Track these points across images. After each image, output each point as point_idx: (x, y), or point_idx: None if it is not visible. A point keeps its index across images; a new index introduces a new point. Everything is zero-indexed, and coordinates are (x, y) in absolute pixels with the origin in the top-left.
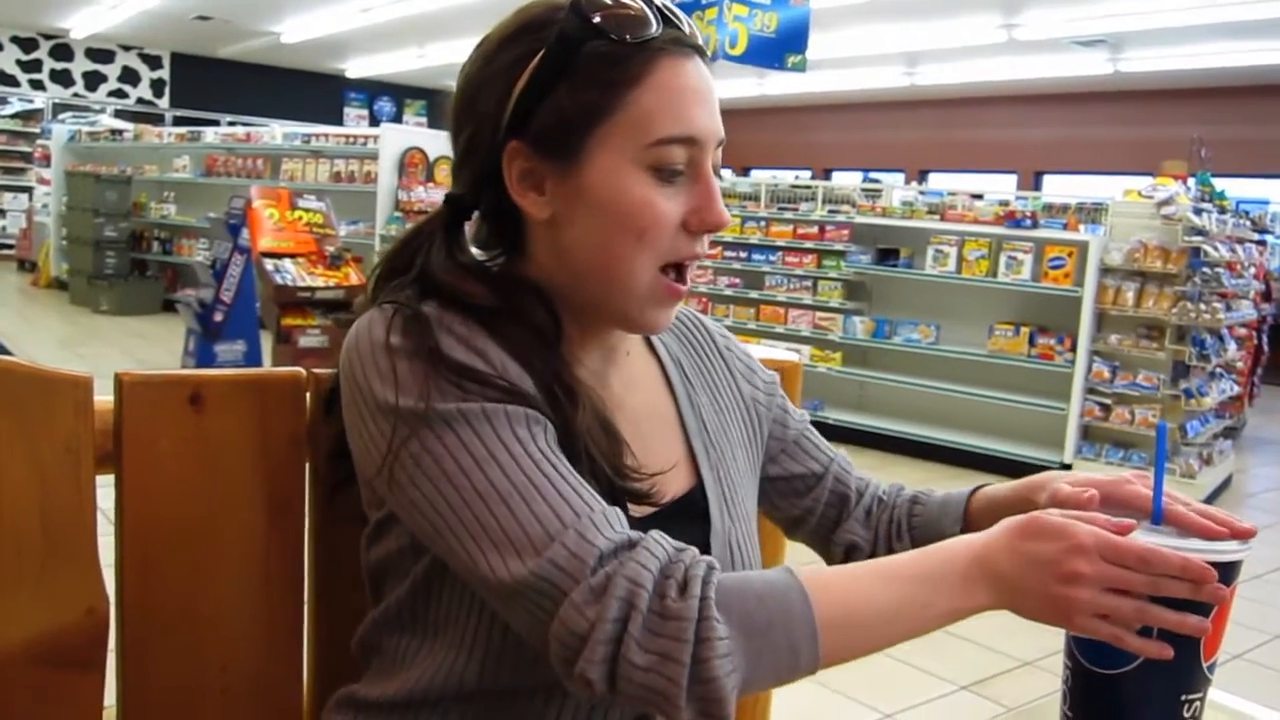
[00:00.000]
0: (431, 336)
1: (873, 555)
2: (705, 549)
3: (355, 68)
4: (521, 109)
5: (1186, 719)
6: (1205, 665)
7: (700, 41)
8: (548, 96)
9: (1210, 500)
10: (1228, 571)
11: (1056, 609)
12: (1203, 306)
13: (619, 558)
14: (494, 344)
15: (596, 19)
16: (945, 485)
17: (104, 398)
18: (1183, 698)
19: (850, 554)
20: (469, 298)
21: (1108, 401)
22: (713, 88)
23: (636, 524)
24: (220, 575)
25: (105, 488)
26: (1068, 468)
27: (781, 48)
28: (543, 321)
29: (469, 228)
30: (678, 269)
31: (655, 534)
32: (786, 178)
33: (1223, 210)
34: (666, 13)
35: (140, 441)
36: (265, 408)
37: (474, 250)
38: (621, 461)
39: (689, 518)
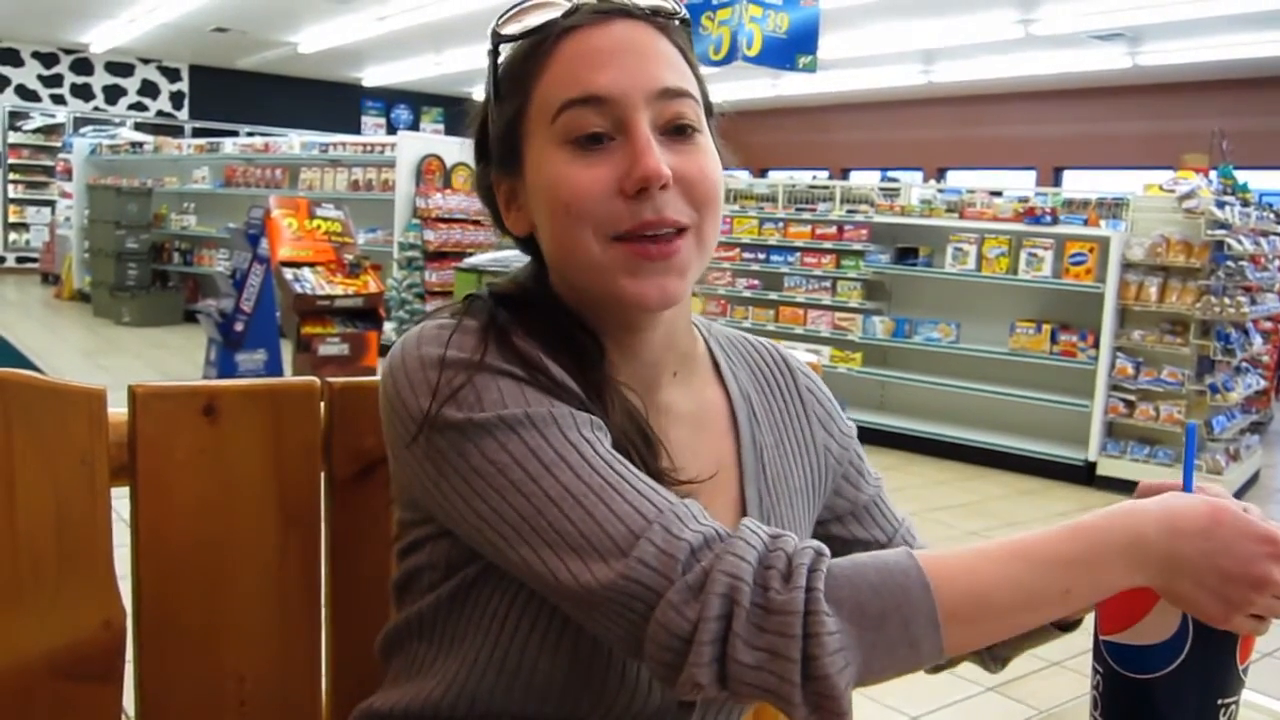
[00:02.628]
0: (491, 345)
1: None
2: None
3: (372, 76)
4: (484, 140)
5: None
6: (1240, 668)
7: (641, 6)
8: (494, 118)
9: (1238, 496)
10: None
11: (1227, 605)
12: (1227, 300)
13: (713, 550)
14: (546, 354)
15: (501, 28)
16: (969, 485)
17: (119, 410)
18: (1219, 701)
19: None
20: (520, 313)
21: (1132, 398)
22: (640, 43)
23: None
24: (236, 586)
25: (121, 499)
26: (1093, 465)
27: (793, 48)
28: (578, 334)
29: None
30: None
31: (749, 521)
32: (804, 178)
33: (1245, 203)
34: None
35: (155, 453)
36: (280, 418)
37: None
38: (658, 465)
39: None
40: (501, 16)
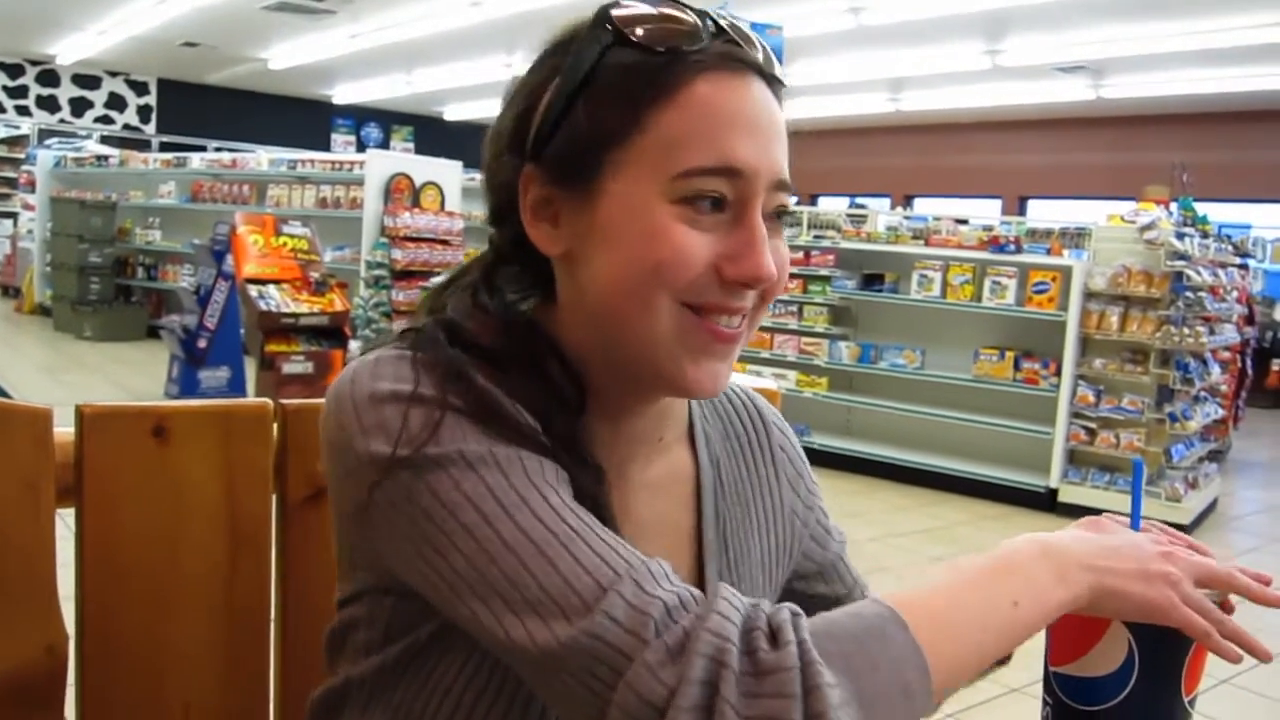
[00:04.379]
0: (452, 384)
1: None
2: None
3: (342, 94)
4: (540, 131)
5: None
6: (1187, 700)
7: (771, 68)
8: (566, 116)
9: (1197, 523)
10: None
11: (1157, 586)
12: (1186, 330)
13: (690, 611)
14: (506, 396)
15: (623, 25)
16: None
17: (69, 429)
18: None
19: None
20: (480, 343)
21: (1093, 426)
22: (775, 119)
23: None
24: (184, 612)
25: (67, 521)
26: (1054, 492)
27: None
28: (558, 378)
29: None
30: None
31: (725, 587)
32: None
33: (1205, 234)
34: (722, 25)
35: (102, 475)
36: (231, 440)
37: (510, 296)
38: None
39: None
40: (621, 5)
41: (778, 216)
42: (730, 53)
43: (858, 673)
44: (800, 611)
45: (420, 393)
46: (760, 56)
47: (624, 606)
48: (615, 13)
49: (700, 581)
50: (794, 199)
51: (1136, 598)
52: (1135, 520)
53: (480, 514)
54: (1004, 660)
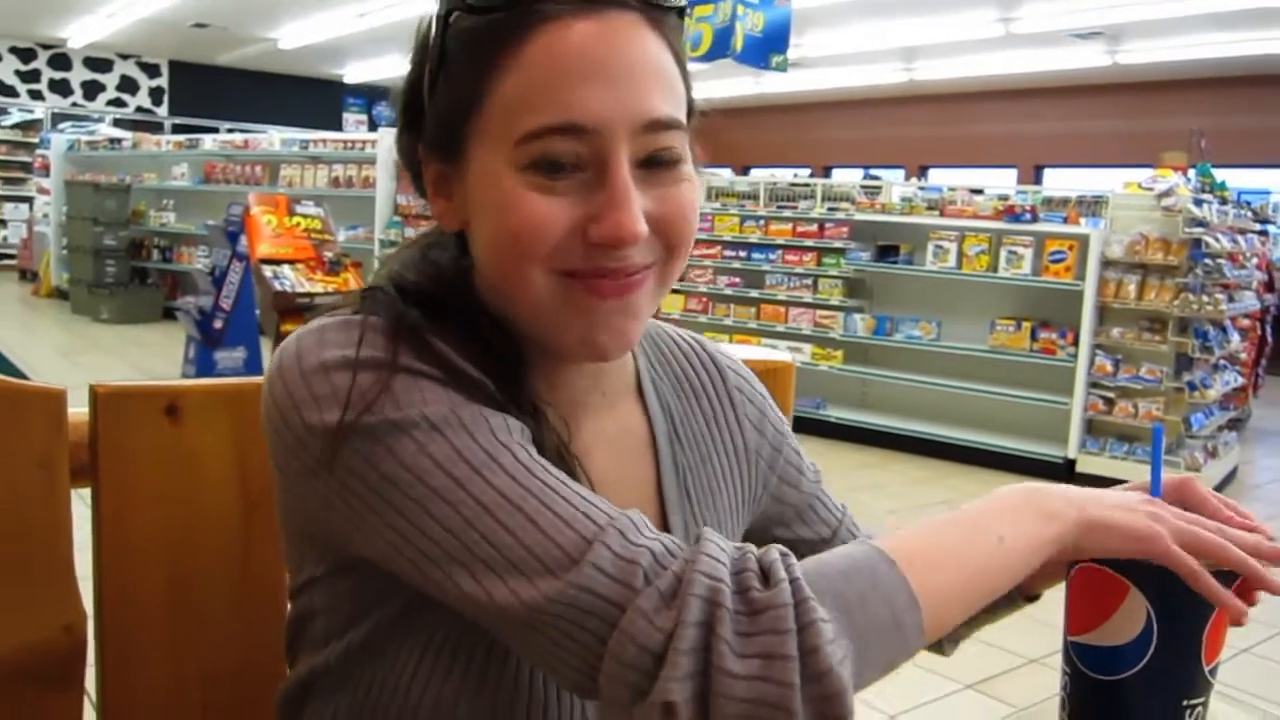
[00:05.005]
0: (404, 345)
1: None
2: None
3: (353, 73)
4: (419, 109)
5: None
6: (1207, 669)
7: None
8: (434, 92)
9: (1216, 491)
10: (1228, 578)
11: (1142, 516)
12: (1205, 298)
13: (680, 556)
14: (466, 360)
15: None
16: (949, 482)
17: (84, 410)
18: (1185, 703)
19: None
20: (424, 295)
21: (1111, 395)
22: (639, 54)
23: None
24: (200, 590)
25: (83, 501)
26: (1072, 463)
27: (766, 47)
28: (491, 335)
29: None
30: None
31: (709, 531)
32: (785, 176)
33: (1223, 201)
34: None
35: (116, 454)
36: (243, 417)
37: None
38: None
39: None
40: None
41: (661, 162)
42: None
43: (849, 608)
44: (788, 551)
45: (372, 355)
46: None
47: (611, 557)
48: None
49: (666, 530)
50: (684, 132)
51: (1123, 526)
52: (1155, 488)
53: (451, 477)
54: (1032, 597)
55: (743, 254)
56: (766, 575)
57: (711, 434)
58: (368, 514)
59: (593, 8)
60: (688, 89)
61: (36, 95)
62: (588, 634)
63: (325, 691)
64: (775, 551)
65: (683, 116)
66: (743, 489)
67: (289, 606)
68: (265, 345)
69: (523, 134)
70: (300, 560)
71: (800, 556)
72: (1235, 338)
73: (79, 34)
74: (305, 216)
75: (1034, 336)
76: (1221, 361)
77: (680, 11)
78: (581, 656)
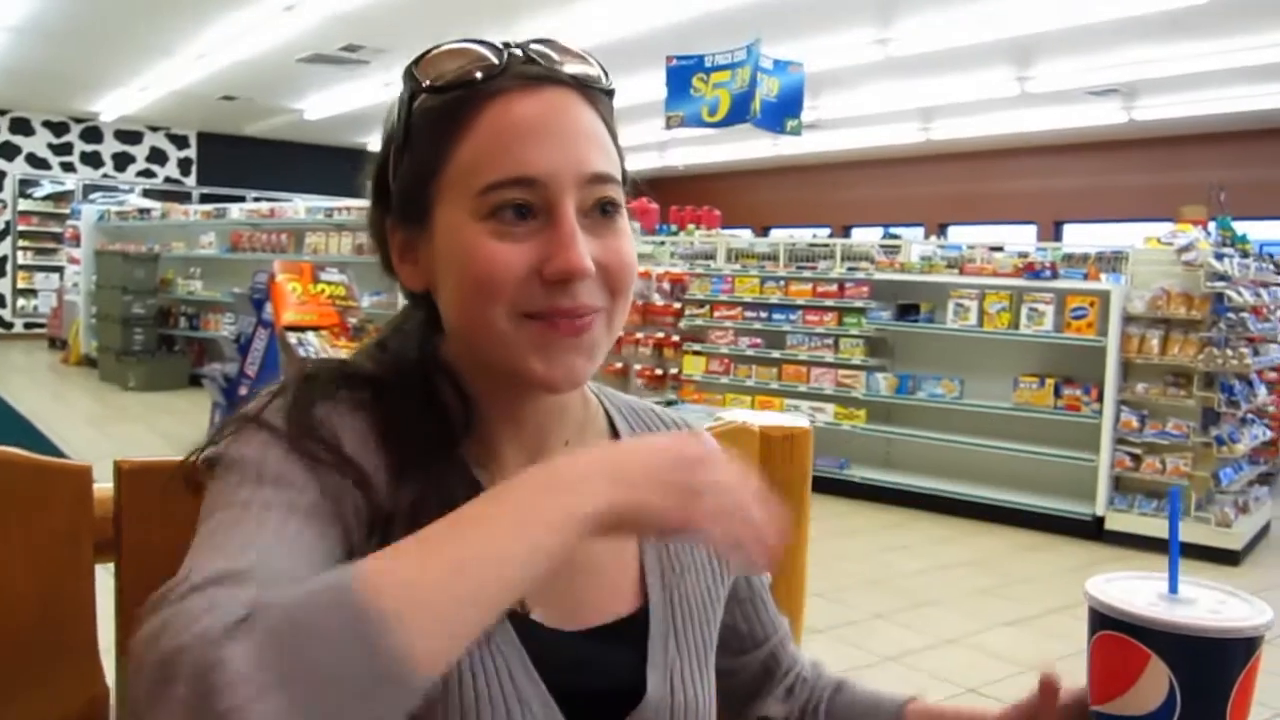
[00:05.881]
0: (276, 403)
1: None
2: (640, 684)
3: (377, 141)
4: (386, 184)
5: None
6: None
7: (583, 74)
8: (400, 166)
9: (1249, 548)
10: (1251, 645)
11: (676, 494)
12: (1229, 352)
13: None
14: (374, 428)
15: (421, 77)
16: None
17: (107, 485)
18: None
19: None
20: (366, 376)
21: (1138, 451)
22: (577, 120)
23: (564, 642)
24: None
25: (107, 573)
26: (1100, 520)
27: (782, 112)
28: (451, 400)
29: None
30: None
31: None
32: (805, 236)
33: (1245, 254)
34: (511, 49)
35: (139, 528)
36: None
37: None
38: None
39: (626, 643)
40: (419, 59)
41: (604, 210)
42: (525, 72)
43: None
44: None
45: (248, 412)
46: (567, 67)
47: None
48: (415, 68)
49: (642, 570)
50: (619, 186)
51: (655, 515)
52: (1174, 550)
53: (209, 515)
54: None
55: (763, 314)
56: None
57: None
58: None
59: (535, 86)
60: (621, 156)
61: (68, 167)
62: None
63: None
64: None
65: (618, 175)
66: None
67: None
68: None
69: (482, 187)
70: None
71: (729, 648)
72: (1262, 391)
73: (111, 107)
74: (329, 284)
75: (1058, 393)
76: (1249, 415)
77: (609, 93)
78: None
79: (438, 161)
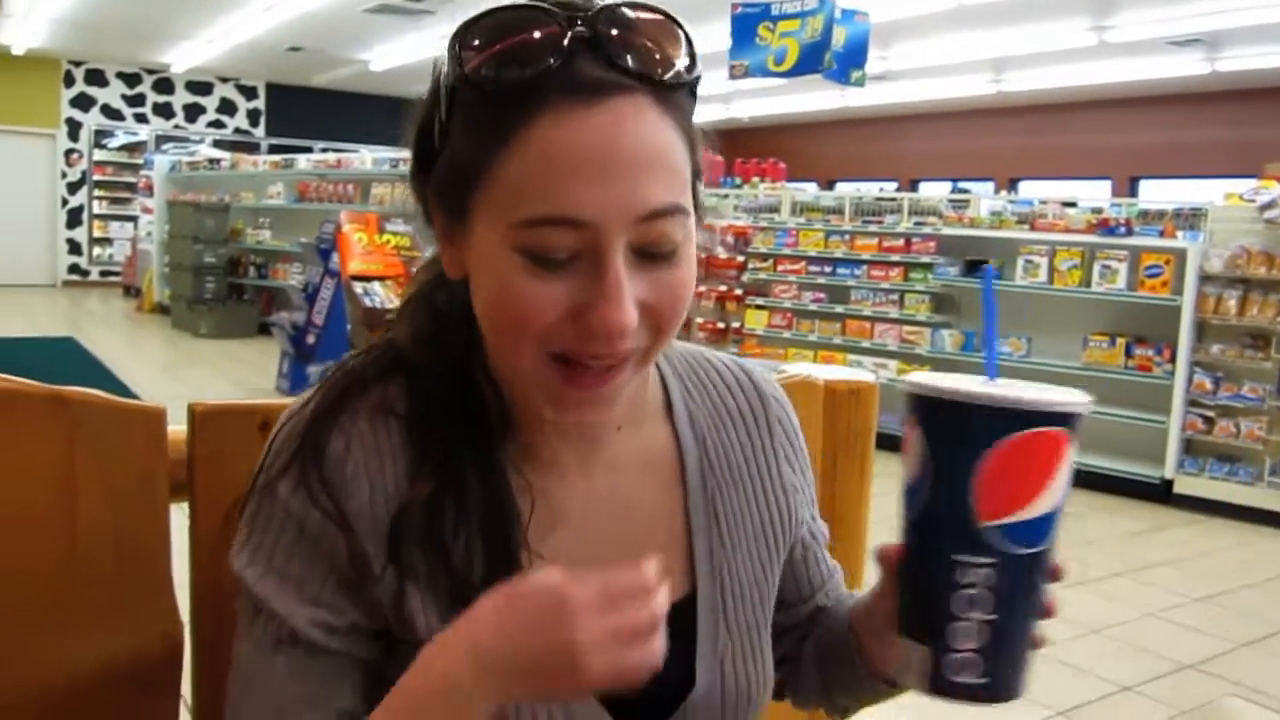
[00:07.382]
0: (296, 465)
1: (796, 668)
2: (689, 675)
3: None
4: (428, 158)
5: (960, 584)
6: (981, 526)
7: (647, 59)
8: (443, 147)
9: None
10: (1071, 420)
11: (559, 680)
12: None
13: None
14: (399, 426)
15: (465, 60)
16: None
17: (181, 427)
18: (953, 557)
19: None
20: (416, 367)
21: (1211, 414)
22: (640, 144)
23: None
24: None
25: (181, 513)
26: (1169, 483)
27: (848, 63)
28: (490, 399)
29: None
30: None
31: None
32: (871, 190)
33: None
34: (578, 27)
35: (212, 469)
36: None
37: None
38: (510, 566)
39: (674, 633)
40: (468, 28)
41: (657, 253)
42: (587, 76)
43: None
44: None
45: (278, 453)
46: (644, 57)
47: None
48: (462, 43)
49: (691, 558)
50: (687, 215)
51: (541, 693)
52: (990, 335)
53: (237, 653)
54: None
55: (828, 269)
56: None
57: (746, 458)
58: None
59: (597, 97)
60: (695, 154)
61: (141, 118)
62: None
63: None
64: None
65: (685, 197)
66: (776, 515)
67: None
68: None
69: (520, 220)
70: None
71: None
72: None
73: (181, 59)
74: (395, 234)
75: (1129, 353)
76: None
77: (692, 87)
78: None
79: (477, 172)
